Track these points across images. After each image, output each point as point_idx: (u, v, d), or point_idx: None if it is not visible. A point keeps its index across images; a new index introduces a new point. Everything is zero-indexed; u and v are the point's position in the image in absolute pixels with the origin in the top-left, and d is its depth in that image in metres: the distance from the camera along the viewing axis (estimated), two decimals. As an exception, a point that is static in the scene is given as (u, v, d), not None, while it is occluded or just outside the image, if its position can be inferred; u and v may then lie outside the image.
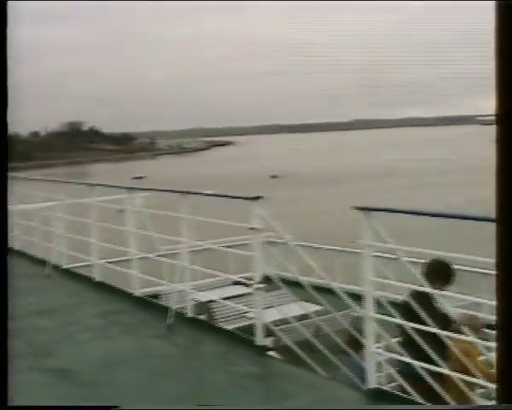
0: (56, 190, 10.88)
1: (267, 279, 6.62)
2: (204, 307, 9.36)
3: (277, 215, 6.67)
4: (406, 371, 5.26)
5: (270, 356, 6.30)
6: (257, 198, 6.46)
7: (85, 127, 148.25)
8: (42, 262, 10.73)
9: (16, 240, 12.37)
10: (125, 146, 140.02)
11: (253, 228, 6.42)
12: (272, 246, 6.90)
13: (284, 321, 7.33)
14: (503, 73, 1.98)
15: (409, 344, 5.22)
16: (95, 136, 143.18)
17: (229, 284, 10.34)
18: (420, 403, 4.92)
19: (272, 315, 7.01)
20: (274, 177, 70.75)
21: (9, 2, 2.19)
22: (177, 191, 7.80)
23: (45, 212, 11.40)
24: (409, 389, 5.13)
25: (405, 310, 5.42)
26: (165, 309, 7.55)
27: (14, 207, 12.85)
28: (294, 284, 7.17)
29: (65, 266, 10.34)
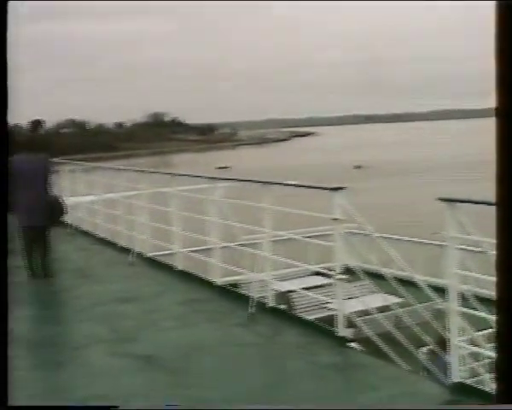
0: (139, 180, 11.08)
1: (348, 270, 6.58)
2: (284, 296, 9.39)
3: (361, 206, 6.62)
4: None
5: (351, 347, 6.26)
6: (339, 189, 6.42)
7: (168, 118, 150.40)
8: (126, 250, 10.96)
9: (101, 229, 12.68)
10: (206, 136, 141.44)
11: (335, 219, 6.39)
12: (354, 237, 6.86)
13: (365, 312, 7.28)
14: (503, 73, 1.96)
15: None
16: (177, 126, 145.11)
17: (308, 275, 10.34)
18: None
19: (353, 306, 6.97)
20: (358, 167, 70.24)
21: (9, 3, 2.18)
22: (258, 181, 7.84)
23: (129, 201, 11.63)
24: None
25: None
26: (246, 298, 7.60)
27: (98, 196, 13.19)
28: (375, 276, 7.12)
29: (148, 255, 10.52)
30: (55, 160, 12.53)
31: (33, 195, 9.19)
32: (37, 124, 14.73)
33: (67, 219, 11.75)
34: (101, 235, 12.50)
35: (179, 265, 9.58)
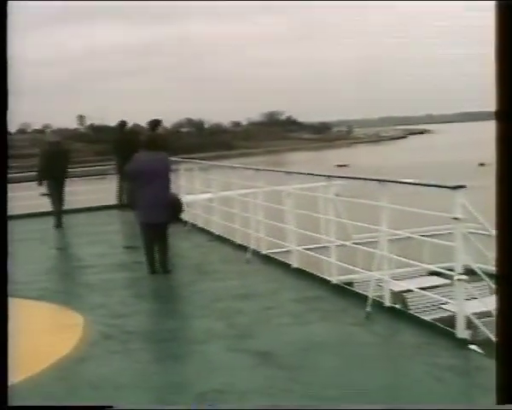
0: (255, 178, 11.17)
1: (467, 270, 6.40)
2: (399, 296, 9.24)
3: (482, 205, 6.43)
4: None
5: (472, 350, 6.09)
6: (459, 187, 6.26)
7: (283, 117, 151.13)
8: (242, 248, 11.09)
9: (217, 226, 12.88)
10: (321, 135, 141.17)
11: (455, 218, 6.24)
12: (474, 237, 6.66)
13: (487, 314, 7.06)
14: (503, 73, 1.96)
15: None
16: (292, 125, 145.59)
17: (423, 275, 10.13)
18: None
19: (474, 307, 6.77)
20: (482, 165, 68.23)
21: (9, 3, 2.18)
22: (375, 179, 7.75)
23: (244, 198, 11.75)
24: None
25: None
26: (361, 297, 7.54)
27: (214, 194, 13.40)
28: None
29: (264, 252, 10.61)
30: (174, 158, 12.83)
31: (153, 192, 9.44)
32: (155, 123, 15.07)
33: (185, 216, 12.00)
34: (218, 232, 12.70)
35: (294, 262, 9.60)
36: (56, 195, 16.26)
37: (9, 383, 5.81)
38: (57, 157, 16.43)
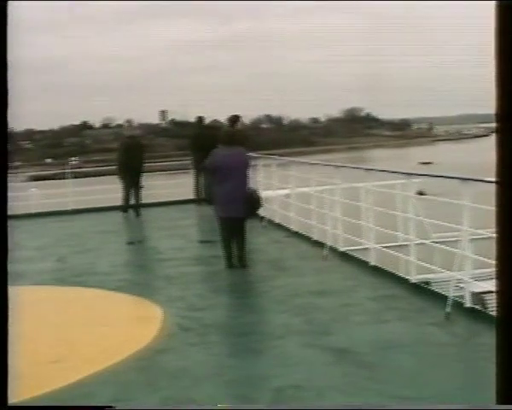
0: (333, 174, 11.12)
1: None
2: (479, 297, 9.04)
3: None
4: None
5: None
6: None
7: (362, 113, 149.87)
8: (319, 244, 11.05)
9: (294, 222, 12.88)
10: (402, 132, 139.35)
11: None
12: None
13: None
14: (503, 73, 1.96)
15: None
16: (372, 122, 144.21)
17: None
18: None
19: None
20: None
21: (9, 3, 2.18)
22: (456, 177, 7.61)
23: (322, 195, 11.72)
24: None
25: None
26: (440, 297, 7.41)
27: (291, 190, 13.41)
28: None
29: (341, 249, 10.55)
30: (253, 154, 12.89)
31: (232, 187, 9.51)
32: (234, 119, 15.18)
33: (262, 212, 12.05)
34: (294, 228, 12.69)
35: (372, 260, 9.52)
36: (133, 187, 16.70)
37: (93, 371, 5.95)
38: (133, 151, 16.90)
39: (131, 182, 16.62)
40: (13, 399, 5.27)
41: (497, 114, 2.00)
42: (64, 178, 19.88)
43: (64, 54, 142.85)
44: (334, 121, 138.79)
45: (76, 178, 21.80)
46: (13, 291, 8.34)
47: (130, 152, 16.73)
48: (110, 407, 2.75)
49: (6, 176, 2.21)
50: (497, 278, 2.09)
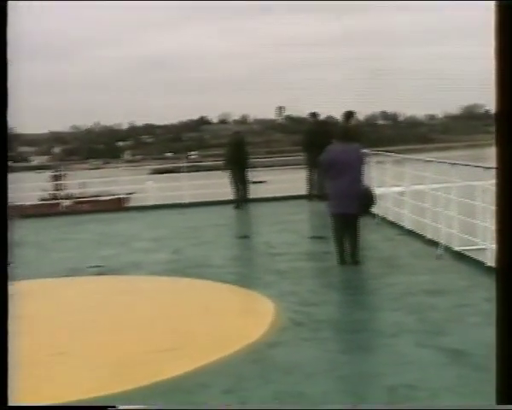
0: (449, 172, 10.88)
1: None
2: None
3: None
4: None
5: None
6: None
7: (481, 110, 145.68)
8: (433, 243, 10.85)
9: (407, 220, 12.69)
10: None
11: None
12: None
13: None
14: (503, 73, 1.97)
15: None
16: (491, 119, 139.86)
17: None
18: None
19: None
20: None
21: (9, 3, 2.16)
22: None
23: (437, 193, 11.49)
24: None
25: None
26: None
27: (405, 187, 13.21)
28: None
29: (456, 249, 10.32)
30: (367, 150, 12.79)
31: (346, 183, 9.47)
32: (349, 115, 15.14)
33: (375, 209, 11.94)
34: (408, 226, 12.51)
35: (488, 261, 9.26)
36: (239, 182, 17.04)
37: (207, 361, 6.07)
38: (239, 146, 17.29)
39: (238, 176, 17.01)
40: (128, 385, 5.45)
41: (496, 114, 2.02)
42: (184, 172, 20.49)
43: (179, 51, 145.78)
44: (451, 118, 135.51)
45: (197, 171, 22.38)
46: (130, 280, 8.66)
47: (235, 147, 17.18)
48: (112, 406, 2.81)
49: (6, 175, 2.24)
50: (496, 275, 2.10)
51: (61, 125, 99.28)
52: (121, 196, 26.41)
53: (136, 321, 7.53)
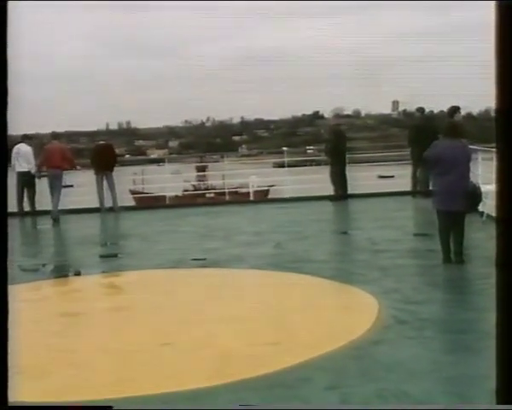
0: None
1: None
2: None
3: None
4: None
5: None
6: None
7: None
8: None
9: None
10: None
11: None
12: None
13: None
14: (502, 73, 1.98)
15: None
16: None
17: None
18: None
19: None
20: None
21: (9, 2, 2.12)
22: None
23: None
24: None
25: None
26: None
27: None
28: None
29: None
30: (473, 147, 12.48)
31: (452, 180, 9.26)
32: (454, 110, 14.85)
33: (481, 206, 11.64)
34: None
35: None
36: (339, 175, 17.01)
37: (309, 356, 6.06)
38: (339, 139, 17.27)
39: (337, 170, 16.98)
40: (231, 377, 5.52)
41: (496, 113, 2.02)
42: (302, 166, 20.73)
43: (289, 45, 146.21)
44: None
45: (317, 165, 22.52)
46: (233, 273, 8.76)
47: (334, 140, 17.20)
48: (110, 407, 2.84)
49: (6, 176, 2.21)
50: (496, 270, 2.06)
51: (174, 120, 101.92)
52: (265, 189, 26.91)
53: (239, 314, 7.62)
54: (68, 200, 17.83)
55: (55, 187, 16.79)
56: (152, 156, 69.94)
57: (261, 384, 5.45)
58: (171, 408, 4.45)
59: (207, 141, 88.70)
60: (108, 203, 17.98)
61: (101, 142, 19.31)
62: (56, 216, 16.35)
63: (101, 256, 11.73)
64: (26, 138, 17.73)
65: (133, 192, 26.20)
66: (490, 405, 2.65)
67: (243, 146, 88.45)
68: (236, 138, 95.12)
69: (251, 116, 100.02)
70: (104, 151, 18.38)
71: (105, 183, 18.06)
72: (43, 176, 17.44)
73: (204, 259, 10.67)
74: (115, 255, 11.87)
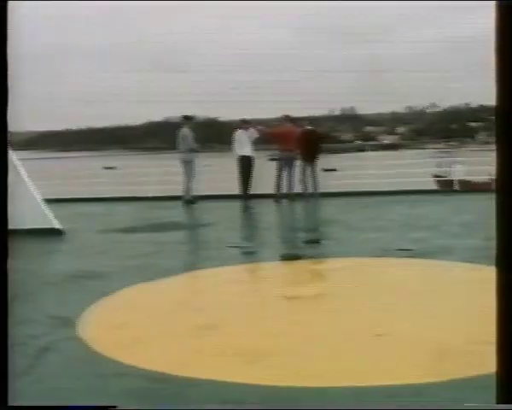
0: None
1: None
2: None
3: None
4: None
5: None
6: None
7: None
8: None
9: None
10: None
11: None
12: None
13: None
14: (502, 73, 2.02)
15: None
16: None
17: None
18: None
19: None
20: None
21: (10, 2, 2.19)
22: None
23: None
24: None
25: None
26: None
27: None
28: None
29: None
30: None
31: None
32: None
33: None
34: None
35: None
36: None
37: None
38: None
39: None
40: (449, 375, 5.26)
41: (496, 113, 2.02)
42: None
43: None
44: None
45: None
46: (441, 265, 8.37)
47: None
48: (112, 406, 2.70)
49: (6, 176, 2.27)
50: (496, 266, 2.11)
51: (398, 105, 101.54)
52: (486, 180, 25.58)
53: (452, 309, 7.33)
54: (332, 183, 18.48)
55: (292, 168, 17.73)
56: (385, 142, 69.67)
57: (477, 384, 5.16)
58: (173, 409, 4.40)
59: (440, 127, 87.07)
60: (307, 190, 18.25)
61: (308, 127, 19.39)
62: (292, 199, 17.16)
63: (305, 242, 11.83)
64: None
65: (436, 176, 25.24)
66: (490, 405, 2.48)
67: (482, 133, 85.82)
68: (473, 125, 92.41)
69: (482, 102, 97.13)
70: (311, 137, 18.52)
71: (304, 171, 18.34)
72: (276, 159, 18.19)
73: (411, 249, 10.41)
74: (318, 241, 11.93)
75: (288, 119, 18.75)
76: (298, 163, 18.22)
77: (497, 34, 2.06)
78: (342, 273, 9.50)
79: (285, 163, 18.01)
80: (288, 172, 18.01)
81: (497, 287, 2.13)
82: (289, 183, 18.05)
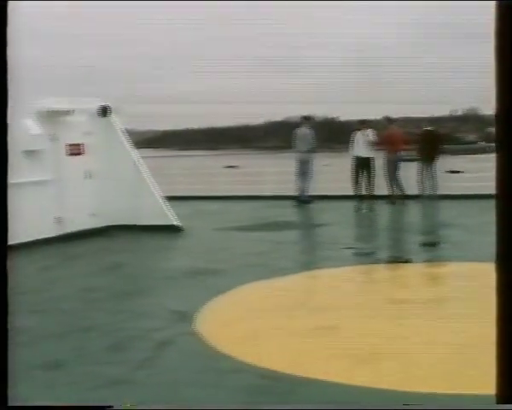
0: None
1: None
2: None
3: None
4: None
5: None
6: None
7: None
8: None
9: None
10: None
11: None
12: None
13: None
14: (502, 73, 2.02)
15: None
16: None
17: None
18: None
19: None
20: None
21: (10, 2, 2.21)
22: None
23: None
24: None
25: None
26: None
27: None
28: None
29: None
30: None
31: None
32: None
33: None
34: None
35: None
36: None
37: None
38: None
39: None
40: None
41: (496, 114, 2.01)
42: None
43: None
44: None
45: None
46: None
47: None
48: (110, 406, 2.66)
49: (6, 176, 2.28)
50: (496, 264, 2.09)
51: None
52: None
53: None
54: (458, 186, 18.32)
55: (397, 170, 17.57)
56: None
57: None
58: (171, 409, 4.37)
59: None
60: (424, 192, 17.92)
61: (428, 128, 18.93)
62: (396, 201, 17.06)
63: (422, 245, 11.64)
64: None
65: None
66: (490, 405, 2.43)
67: None
68: None
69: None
70: (431, 138, 18.15)
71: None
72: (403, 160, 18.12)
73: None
74: (435, 244, 11.71)
75: (388, 120, 18.43)
76: (416, 164, 17.94)
77: (497, 34, 2.05)
78: (458, 278, 9.30)
79: (394, 165, 17.80)
80: (395, 173, 17.79)
81: (496, 287, 2.15)
82: (398, 184, 17.81)
